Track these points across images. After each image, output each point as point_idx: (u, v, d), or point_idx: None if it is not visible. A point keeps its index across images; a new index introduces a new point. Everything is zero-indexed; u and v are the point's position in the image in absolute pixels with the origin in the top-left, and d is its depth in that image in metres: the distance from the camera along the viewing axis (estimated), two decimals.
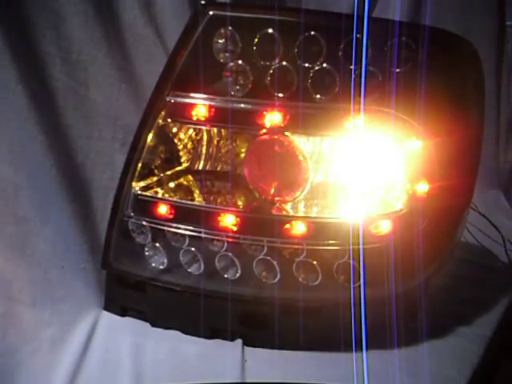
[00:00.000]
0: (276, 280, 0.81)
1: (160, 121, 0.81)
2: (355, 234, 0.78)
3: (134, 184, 0.84)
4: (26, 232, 0.85)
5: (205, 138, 0.99)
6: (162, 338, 0.84)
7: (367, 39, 0.71)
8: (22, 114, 0.85)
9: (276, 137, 0.79)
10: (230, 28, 0.73)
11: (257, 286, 0.82)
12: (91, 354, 0.78)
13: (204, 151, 0.99)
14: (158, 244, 0.85)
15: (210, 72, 0.76)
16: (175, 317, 0.87)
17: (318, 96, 0.75)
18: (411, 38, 0.72)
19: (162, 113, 0.80)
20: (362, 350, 0.81)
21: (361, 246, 0.78)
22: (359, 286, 0.79)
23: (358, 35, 0.71)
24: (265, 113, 0.76)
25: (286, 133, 0.78)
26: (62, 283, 0.86)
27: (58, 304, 0.84)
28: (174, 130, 0.92)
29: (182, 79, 0.78)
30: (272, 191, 0.82)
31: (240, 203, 0.85)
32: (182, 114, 0.80)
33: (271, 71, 0.74)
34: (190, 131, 0.96)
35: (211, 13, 0.73)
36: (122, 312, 0.89)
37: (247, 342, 0.83)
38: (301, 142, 0.83)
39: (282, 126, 0.77)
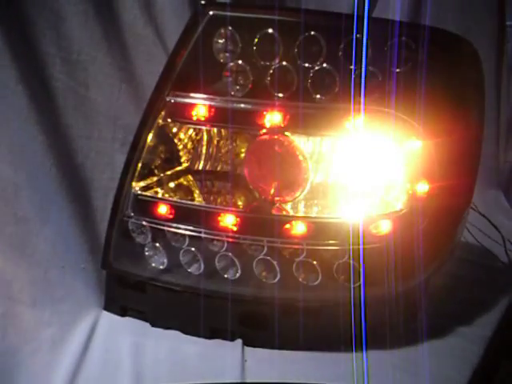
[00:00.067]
0: (276, 280, 0.81)
1: (160, 121, 0.81)
2: (355, 234, 0.78)
3: (133, 184, 0.84)
4: (26, 232, 0.85)
5: (205, 137, 0.99)
6: (162, 338, 0.84)
7: (367, 39, 0.72)
8: (22, 114, 0.85)
9: (276, 137, 0.79)
10: (229, 28, 0.73)
11: (257, 286, 0.82)
12: (91, 354, 0.78)
13: (204, 151, 0.99)
14: (157, 244, 0.85)
15: (210, 72, 0.76)
16: (175, 317, 0.87)
17: (318, 96, 0.75)
18: (411, 38, 0.72)
19: (162, 113, 0.80)
20: (361, 350, 0.81)
21: (361, 246, 0.78)
22: (359, 285, 0.79)
23: (358, 35, 0.71)
24: (265, 113, 0.76)
25: (286, 133, 0.78)
26: (62, 283, 0.86)
27: (58, 304, 0.84)
28: (174, 130, 0.92)
29: (182, 79, 0.78)
30: (272, 191, 0.82)
31: (240, 203, 0.85)
32: (182, 114, 0.80)
33: (271, 71, 0.74)
34: (190, 131, 0.96)
35: (211, 13, 0.73)
36: (122, 312, 0.89)
37: (247, 342, 0.83)
38: (301, 142, 0.83)
39: (282, 126, 0.77)
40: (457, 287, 1.05)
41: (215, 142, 0.99)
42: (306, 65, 0.74)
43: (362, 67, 0.72)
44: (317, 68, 0.74)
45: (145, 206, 0.84)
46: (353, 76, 0.73)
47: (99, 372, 0.74)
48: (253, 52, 0.74)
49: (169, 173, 0.95)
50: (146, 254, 0.86)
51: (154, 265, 0.86)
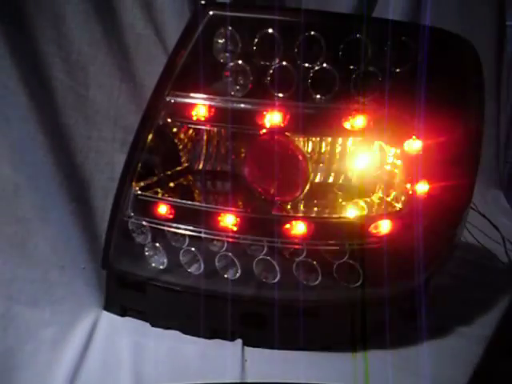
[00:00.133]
0: (276, 280, 0.81)
1: (160, 121, 0.81)
2: (355, 234, 0.78)
3: (133, 184, 0.84)
4: (26, 232, 0.85)
5: (205, 138, 0.99)
6: (162, 337, 0.84)
7: (367, 39, 0.72)
8: (22, 114, 0.85)
9: (276, 137, 0.79)
10: (229, 28, 0.73)
11: (257, 286, 0.82)
12: (91, 353, 0.78)
13: (204, 151, 0.99)
14: (158, 244, 0.85)
15: (210, 72, 0.76)
16: (175, 317, 0.87)
17: (318, 96, 0.75)
18: (411, 38, 0.72)
19: (162, 113, 0.80)
20: (362, 350, 0.81)
21: (361, 246, 0.78)
22: (359, 286, 0.79)
23: (358, 35, 0.71)
24: (265, 113, 0.76)
25: (286, 133, 0.78)
26: (62, 283, 0.86)
27: (58, 304, 0.84)
28: (174, 130, 0.92)
29: (182, 79, 0.78)
30: (272, 191, 0.82)
31: (240, 203, 0.85)
32: (182, 114, 0.80)
33: (271, 71, 0.74)
34: (190, 131, 0.96)
35: (211, 13, 0.73)
36: (122, 312, 0.89)
37: (247, 342, 0.83)
38: (301, 142, 0.83)
39: (282, 126, 0.77)
40: (457, 287, 1.05)
41: (215, 142, 0.99)
42: (306, 65, 0.74)
43: (361, 67, 0.72)
44: (317, 68, 0.74)
45: (145, 206, 0.84)
46: (353, 76, 0.73)
47: (99, 372, 0.74)
48: (253, 52, 0.74)
49: (169, 173, 0.95)
50: (146, 254, 0.86)
51: (154, 265, 0.86)
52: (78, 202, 0.92)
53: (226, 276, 0.83)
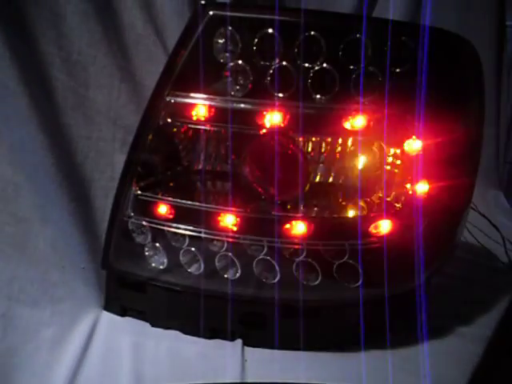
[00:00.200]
0: (276, 280, 0.81)
1: (160, 121, 0.81)
2: (355, 234, 0.78)
3: (134, 184, 0.84)
4: (26, 232, 0.85)
5: (205, 138, 0.99)
6: (162, 337, 0.84)
7: (367, 39, 0.72)
8: (22, 114, 0.85)
9: (276, 137, 0.79)
10: (229, 28, 0.73)
11: (257, 286, 0.82)
12: (91, 353, 0.78)
13: (204, 151, 0.99)
14: (158, 244, 0.85)
15: (210, 72, 0.76)
16: (175, 317, 0.87)
17: (318, 96, 0.75)
18: (411, 38, 0.72)
19: (162, 113, 0.80)
20: (361, 350, 0.81)
21: (360, 246, 0.78)
22: (359, 286, 0.79)
23: (358, 35, 0.71)
24: (265, 113, 0.76)
25: (286, 133, 0.78)
26: (62, 283, 0.86)
27: (58, 304, 0.84)
28: (174, 129, 0.92)
29: (182, 79, 0.77)
30: (272, 191, 0.82)
31: (240, 203, 0.85)
32: (182, 114, 0.80)
33: (271, 71, 0.74)
34: (190, 131, 0.96)
35: (211, 13, 0.73)
36: (122, 312, 0.89)
37: (247, 342, 0.83)
38: (301, 142, 0.83)
39: (282, 125, 0.77)
40: (457, 287, 1.05)
41: (215, 142, 0.99)
42: (306, 65, 0.74)
43: (361, 67, 0.72)
44: (317, 68, 0.74)
45: (145, 206, 0.84)
46: (353, 76, 0.73)
47: (99, 372, 0.74)
48: (253, 52, 0.74)
49: (169, 173, 0.95)
50: (146, 254, 0.86)
51: (154, 265, 0.86)
52: (78, 202, 0.92)
53: (225, 276, 0.83)
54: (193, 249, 0.83)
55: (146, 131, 0.81)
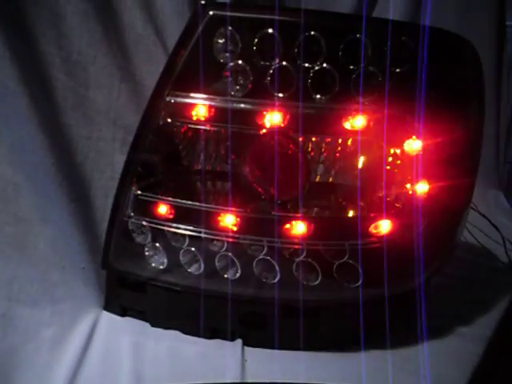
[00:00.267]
0: (276, 280, 0.81)
1: (160, 121, 0.81)
2: (355, 234, 0.78)
3: (134, 184, 0.84)
4: (25, 232, 0.85)
5: (205, 138, 0.99)
6: (162, 337, 0.84)
7: (367, 39, 0.72)
8: (22, 114, 0.85)
9: (276, 137, 0.79)
10: (230, 28, 0.73)
11: (257, 286, 0.82)
12: (91, 353, 0.78)
13: (204, 151, 0.99)
14: (158, 244, 0.85)
15: (210, 72, 0.76)
16: (175, 317, 0.87)
17: (318, 96, 0.75)
18: (411, 38, 0.72)
19: (162, 113, 0.80)
20: (361, 350, 0.81)
21: (360, 246, 0.78)
22: (359, 286, 0.79)
23: (358, 35, 0.71)
24: (265, 113, 0.76)
25: (286, 133, 0.78)
26: (62, 283, 0.86)
27: (58, 304, 0.84)
28: (174, 129, 0.92)
29: (182, 79, 0.77)
30: (272, 191, 0.82)
31: (240, 203, 0.85)
32: (182, 114, 0.80)
33: (271, 71, 0.74)
34: (190, 131, 0.96)
35: (211, 13, 0.73)
36: (122, 312, 0.89)
37: (247, 342, 0.83)
38: (301, 142, 0.83)
39: (282, 125, 0.77)
40: (457, 287, 1.05)
41: (215, 141, 0.99)
42: (306, 65, 0.74)
43: (361, 67, 0.72)
44: (317, 68, 0.74)
45: (145, 206, 0.84)
46: (353, 76, 0.73)
47: (99, 372, 0.74)
48: (253, 52, 0.74)
49: (169, 173, 0.94)
50: (146, 254, 0.86)
51: (154, 265, 0.86)
52: (78, 202, 0.92)
53: (225, 276, 0.83)
54: (193, 249, 0.83)
55: (145, 131, 0.81)
